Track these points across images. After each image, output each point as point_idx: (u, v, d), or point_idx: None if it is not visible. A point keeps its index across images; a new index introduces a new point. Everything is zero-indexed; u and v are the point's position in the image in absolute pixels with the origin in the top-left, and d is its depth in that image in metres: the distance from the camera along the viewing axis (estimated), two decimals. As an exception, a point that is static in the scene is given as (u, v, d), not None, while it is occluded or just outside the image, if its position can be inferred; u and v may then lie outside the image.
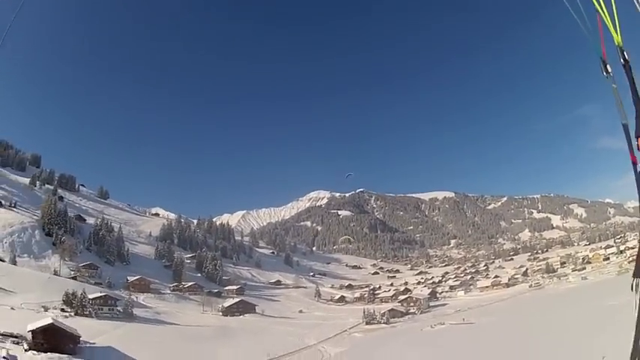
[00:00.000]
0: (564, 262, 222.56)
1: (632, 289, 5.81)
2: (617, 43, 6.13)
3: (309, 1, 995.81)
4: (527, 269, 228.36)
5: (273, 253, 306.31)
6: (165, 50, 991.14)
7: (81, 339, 75.62)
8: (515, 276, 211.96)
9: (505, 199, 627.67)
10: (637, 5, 5.96)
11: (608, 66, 6.23)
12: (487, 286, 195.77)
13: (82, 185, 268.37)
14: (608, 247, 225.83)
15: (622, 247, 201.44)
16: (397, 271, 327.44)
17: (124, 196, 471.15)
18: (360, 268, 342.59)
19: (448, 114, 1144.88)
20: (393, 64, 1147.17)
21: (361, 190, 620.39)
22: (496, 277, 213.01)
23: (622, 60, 6.08)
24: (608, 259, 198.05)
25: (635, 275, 5.62)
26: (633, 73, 6.06)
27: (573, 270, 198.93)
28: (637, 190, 6.08)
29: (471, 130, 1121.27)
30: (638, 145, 5.94)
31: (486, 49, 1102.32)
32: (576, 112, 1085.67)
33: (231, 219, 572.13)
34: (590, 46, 6.26)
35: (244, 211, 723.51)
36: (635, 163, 6.00)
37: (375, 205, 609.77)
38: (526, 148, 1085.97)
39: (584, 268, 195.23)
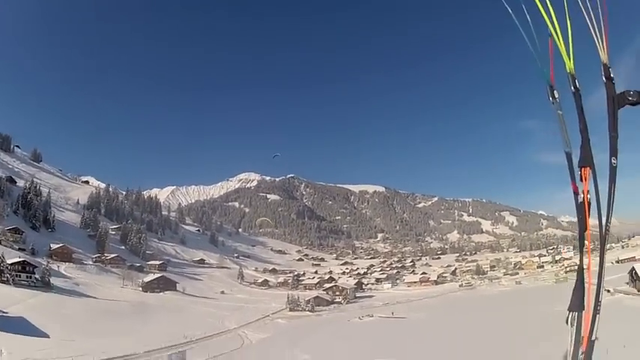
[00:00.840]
0: (494, 266, 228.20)
1: (566, 322, 5.15)
2: (568, 70, 5.18)
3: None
4: (455, 269, 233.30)
5: (198, 230, 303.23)
6: (107, 21, 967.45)
7: (-7, 307, 72.37)
8: (444, 274, 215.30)
9: (436, 199, 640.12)
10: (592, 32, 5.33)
11: (555, 92, 5.41)
12: (415, 282, 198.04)
13: (17, 146, 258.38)
14: (541, 255, 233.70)
15: (557, 257, 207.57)
16: (322, 259, 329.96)
17: (58, 161, 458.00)
18: (284, 253, 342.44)
19: (391, 111, 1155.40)
20: (337, 58, 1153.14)
21: (292, 175, 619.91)
22: (424, 273, 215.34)
23: (572, 88, 5.18)
24: (543, 266, 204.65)
25: (570, 309, 4.85)
26: (582, 101, 5.32)
27: (505, 274, 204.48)
28: (577, 222, 5.53)
29: (413, 131, 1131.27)
30: (581, 175, 5.31)
31: (444, 56, 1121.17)
32: (520, 124, 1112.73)
33: (161, 194, 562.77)
34: (537, 69, 5.57)
35: (174, 187, 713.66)
36: (576, 193, 5.28)
37: (304, 192, 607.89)
38: (464, 153, 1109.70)
39: (517, 274, 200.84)
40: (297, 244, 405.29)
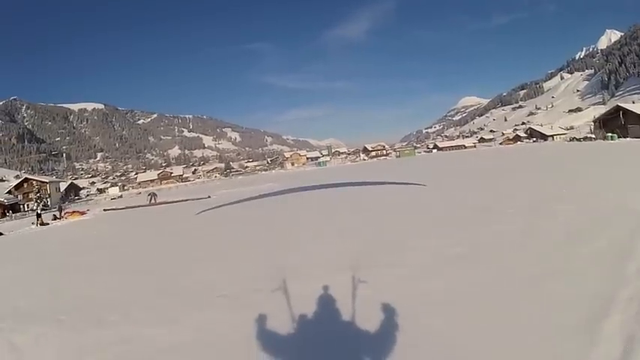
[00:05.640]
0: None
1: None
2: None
3: None
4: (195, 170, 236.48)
5: None
6: None
7: None
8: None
9: (155, 115, 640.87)
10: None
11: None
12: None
13: None
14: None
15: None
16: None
17: None
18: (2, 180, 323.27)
19: (111, 21, 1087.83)
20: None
21: (14, 98, 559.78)
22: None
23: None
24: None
25: None
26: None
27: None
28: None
29: (133, 45, 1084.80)
30: None
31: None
32: (248, 46, 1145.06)
33: None
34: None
35: None
36: None
37: (25, 115, 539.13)
38: (185, 69, 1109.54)
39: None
40: (17, 169, 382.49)
